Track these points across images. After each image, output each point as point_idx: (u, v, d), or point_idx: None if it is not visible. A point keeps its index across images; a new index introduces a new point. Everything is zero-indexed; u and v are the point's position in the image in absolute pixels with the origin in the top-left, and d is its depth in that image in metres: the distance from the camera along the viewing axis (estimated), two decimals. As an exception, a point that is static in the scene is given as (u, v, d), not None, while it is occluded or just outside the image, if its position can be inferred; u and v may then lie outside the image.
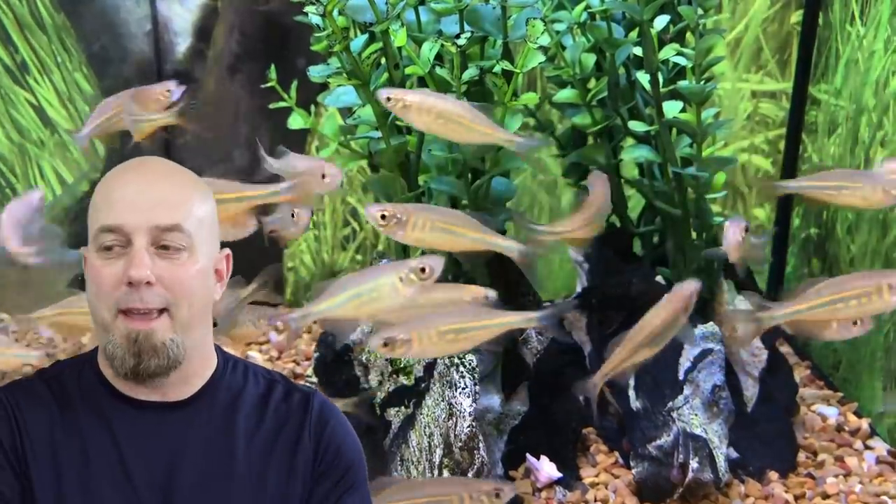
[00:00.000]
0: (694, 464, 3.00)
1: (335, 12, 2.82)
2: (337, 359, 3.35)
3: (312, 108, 3.47)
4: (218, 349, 1.79)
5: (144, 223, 1.64)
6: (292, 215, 2.90)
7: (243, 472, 1.70)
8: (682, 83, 3.21)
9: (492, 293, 2.79)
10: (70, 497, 1.64)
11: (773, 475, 3.25)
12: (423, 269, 2.42)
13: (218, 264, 1.75)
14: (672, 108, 3.28)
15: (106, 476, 1.65)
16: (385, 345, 2.50)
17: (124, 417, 1.69)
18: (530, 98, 3.04)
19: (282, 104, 3.25)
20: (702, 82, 3.20)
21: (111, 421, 1.69)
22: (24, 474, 1.65)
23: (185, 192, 1.71)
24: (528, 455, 3.20)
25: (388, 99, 2.71)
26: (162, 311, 1.64)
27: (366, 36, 2.94)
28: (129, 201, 1.66)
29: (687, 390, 3.17)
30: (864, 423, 3.54)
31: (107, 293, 1.64)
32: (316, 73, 3.07)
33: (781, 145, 4.28)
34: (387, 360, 3.21)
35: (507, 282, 3.36)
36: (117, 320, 1.64)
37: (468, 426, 2.84)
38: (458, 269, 3.15)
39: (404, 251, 3.26)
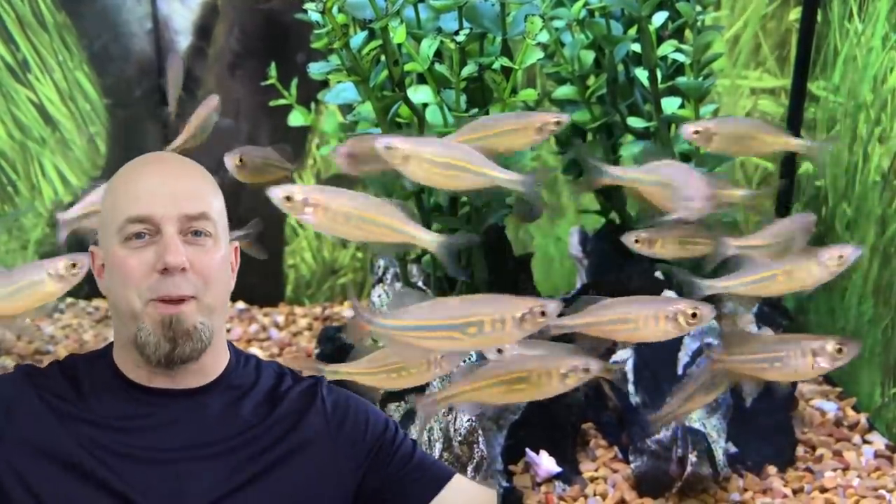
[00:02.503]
0: (692, 458, 3.01)
1: (335, 9, 2.83)
2: (338, 355, 3.36)
3: (313, 105, 3.49)
4: (230, 345, 1.82)
5: (174, 212, 1.67)
6: None
7: (259, 458, 1.71)
8: (681, 79, 3.22)
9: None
10: (85, 484, 1.65)
11: (772, 469, 3.26)
12: (693, 315, 2.35)
13: (230, 255, 1.79)
14: (671, 105, 3.29)
15: (119, 463, 1.66)
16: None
17: (138, 405, 1.71)
18: (529, 94, 3.05)
19: (282, 101, 3.27)
20: (700, 79, 3.21)
21: (124, 409, 1.71)
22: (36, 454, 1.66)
23: (205, 183, 1.76)
24: (527, 450, 3.21)
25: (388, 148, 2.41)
26: (191, 296, 1.67)
27: (365, 33, 2.95)
28: (156, 192, 1.68)
29: (687, 385, 3.18)
30: (863, 418, 3.55)
31: (137, 281, 1.66)
32: (316, 69, 3.08)
33: (780, 142, 4.29)
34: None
35: (506, 276, 3.37)
36: (148, 308, 1.66)
37: (467, 420, 2.85)
38: (458, 262, 3.15)
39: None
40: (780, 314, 3.92)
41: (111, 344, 1.78)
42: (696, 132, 2.86)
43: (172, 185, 1.70)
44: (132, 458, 1.67)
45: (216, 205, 1.74)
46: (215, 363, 1.76)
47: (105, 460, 1.66)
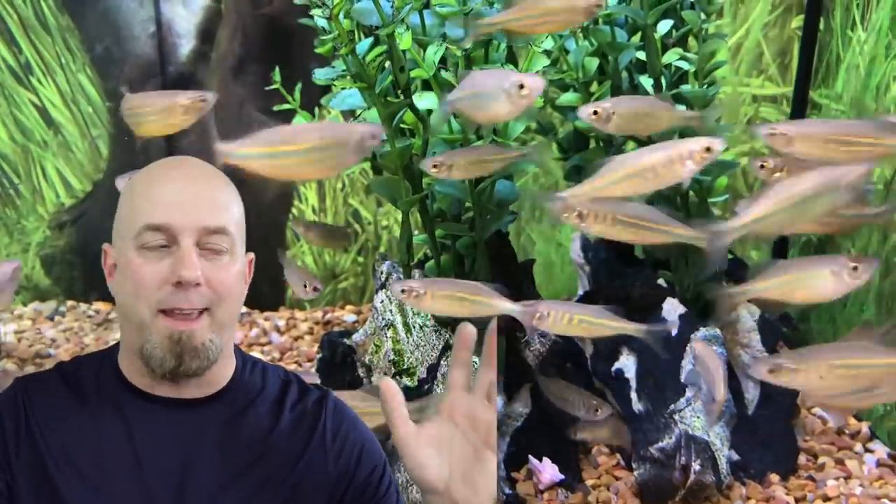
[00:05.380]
0: (696, 466, 3.01)
1: (341, 15, 2.83)
2: (340, 360, 3.36)
3: (316, 110, 3.49)
4: (237, 350, 1.79)
5: (193, 224, 1.62)
6: None
7: (257, 471, 1.70)
8: (685, 87, 3.23)
9: None
10: (84, 489, 1.63)
11: (774, 477, 3.27)
12: None
13: (245, 268, 1.75)
14: (675, 113, 3.29)
15: (119, 469, 1.65)
16: None
17: (141, 413, 1.68)
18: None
19: (286, 106, 3.27)
20: (704, 86, 3.21)
21: (127, 416, 1.68)
22: (32, 470, 1.63)
23: (227, 194, 1.70)
24: (530, 457, 3.21)
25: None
26: (202, 311, 1.63)
27: (371, 39, 2.95)
28: (175, 201, 1.63)
29: (689, 393, 3.18)
30: (864, 427, 3.55)
31: (148, 292, 1.62)
32: (321, 75, 3.08)
33: (782, 149, 4.29)
34: (390, 361, 3.22)
35: (510, 282, 3.37)
36: (157, 320, 1.62)
37: (471, 427, 2.84)
38: (461, 268, 3.16)
39: (408, 252, 3.27)
40: (783, 322, 3.92)
41: (117, 344, 1.75)
42: (595, 113, 2.69)
43: (194, 194, 1.65)
44: (131, 466, 1.66)
45: (236, 216, 1.69)
46: (221, 373, 1.73)
47: (105, 467, 1.65)
